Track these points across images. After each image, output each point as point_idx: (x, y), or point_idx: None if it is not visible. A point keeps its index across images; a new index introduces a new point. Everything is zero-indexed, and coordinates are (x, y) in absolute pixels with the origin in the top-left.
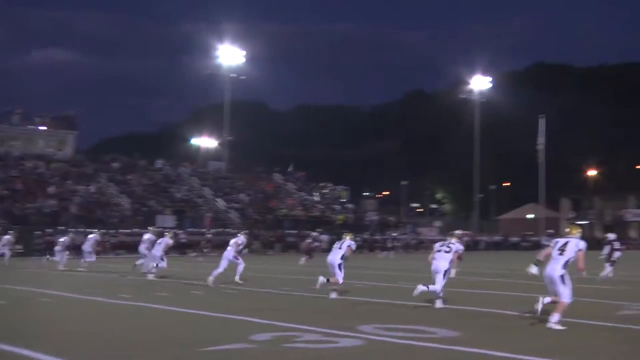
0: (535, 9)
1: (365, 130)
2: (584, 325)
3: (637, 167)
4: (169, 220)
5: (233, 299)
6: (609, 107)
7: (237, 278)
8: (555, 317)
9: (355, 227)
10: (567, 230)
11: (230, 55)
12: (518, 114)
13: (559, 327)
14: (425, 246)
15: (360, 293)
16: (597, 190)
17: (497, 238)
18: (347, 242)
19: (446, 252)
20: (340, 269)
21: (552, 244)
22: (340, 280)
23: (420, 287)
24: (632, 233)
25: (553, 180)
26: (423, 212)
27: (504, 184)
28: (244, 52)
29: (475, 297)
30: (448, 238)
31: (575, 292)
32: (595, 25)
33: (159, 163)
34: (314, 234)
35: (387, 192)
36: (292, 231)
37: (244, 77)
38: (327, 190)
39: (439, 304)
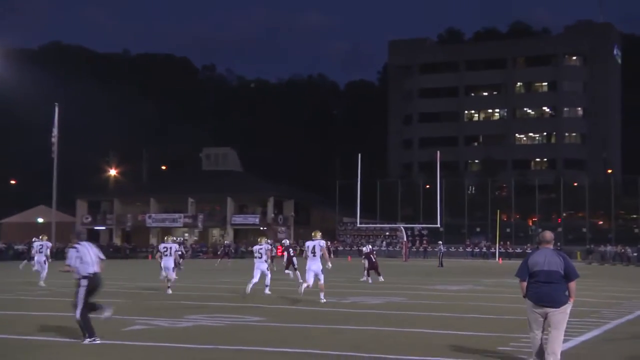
0: None
1: None
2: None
3: (163, 167)
4: None
5: None
6: (134, 100)
7: None
8: (323, 294)
9: None
10: (313, 234)
11: None
12: (30, 100)
13: (325, 300)
14: None
15: None
16: (118, 192)
17: (0, 245)
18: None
19: (170, 255)
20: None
21: (305, 247)
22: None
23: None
24: (153, 240)
25: (69, 179)
26: None
27: (10, 182)
28: None
29: None
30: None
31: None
32: (114, 12)
33: None
34: None
35: None
36: None
37: None
38: None
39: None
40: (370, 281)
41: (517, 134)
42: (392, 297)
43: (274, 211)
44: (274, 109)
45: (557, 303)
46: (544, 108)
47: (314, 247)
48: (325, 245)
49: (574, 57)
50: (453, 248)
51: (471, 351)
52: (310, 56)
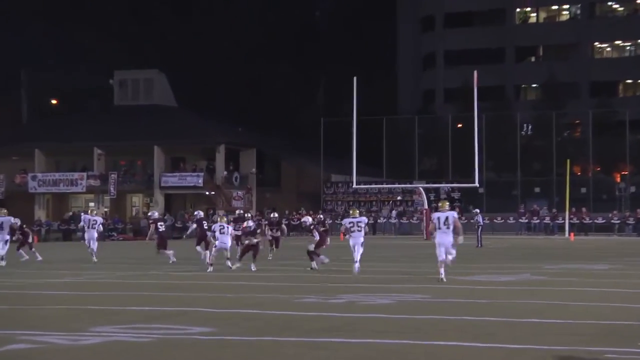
0: None
1: None
2: None
3: (53, 102)
4: None
5: None
6: None
7: None
8: (442, 270)
9: None
10: (440, 205)
11: None
12: None
13: (445, 278)
14: None
15: None
16: None
17: None
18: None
19: (226, 234)
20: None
21: (434, 219)
22: None
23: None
24: (40, 213)
25: None
26: None
27: None
28: None
29: None
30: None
31: None
32: None
33: None
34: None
35: None
36: None
37: None
38: None
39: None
40: (315, 266)
41: (596, 43)
42: (407, 295)
43: (226, 166)
44: (222, 11)
45: None
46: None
47: (446, 219)
48: (457, 217)
49: None
50: (499, 218)
51: None
52: None
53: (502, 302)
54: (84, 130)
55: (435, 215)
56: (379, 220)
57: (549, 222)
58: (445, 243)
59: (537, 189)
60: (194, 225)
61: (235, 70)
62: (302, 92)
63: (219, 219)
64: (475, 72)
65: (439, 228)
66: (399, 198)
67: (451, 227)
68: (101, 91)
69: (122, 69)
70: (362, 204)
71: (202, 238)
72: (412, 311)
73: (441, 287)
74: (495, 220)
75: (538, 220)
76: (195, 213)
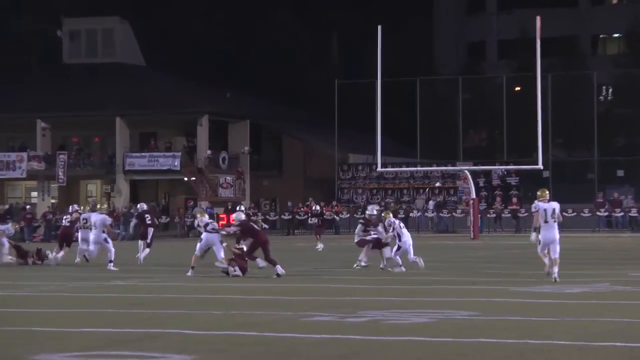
0: None
1: None
2: None
3: None
4: None
5: None
6: None
7: None
8: (556, 269)
9: None
10: (539, 194)
11: None
12: None
13: (558, 278)
14: None
15: None
16: None
17: None
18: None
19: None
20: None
21: (539, 210)
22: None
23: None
24: None
25: None
26: None
27: None
28: None
29: None
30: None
31: None
32: None
33: None
34: None
35: None
36: None
37: None
38: None
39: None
40: (236, 272)
41: None
42: (449, 311)
43: (210, 144)
44: None
45: None
46: None
47: (553, 212)
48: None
49: None
50: (570, 211)
51: None
52: None
53: (573, 321)
54: (23, 97)
55: (540, 205)
56: (411, 214)
57: (636, 215)
58: (551, 239)
59: (620, 172)
60: (135, 221)
61: (222, 18)
62: (309, 47)
63: (199, 215)
64: (538, 19)
65: (546, 221)
66: (437, 185)
67: (557, 220)
68: (46, 45)
69: (73, 16)
70: (389, 192)
71: (144, 237)
72: (457, 333)
73: (494, 302)
74: (565, 213)
75: (622, 213)
76: (138, 206)
